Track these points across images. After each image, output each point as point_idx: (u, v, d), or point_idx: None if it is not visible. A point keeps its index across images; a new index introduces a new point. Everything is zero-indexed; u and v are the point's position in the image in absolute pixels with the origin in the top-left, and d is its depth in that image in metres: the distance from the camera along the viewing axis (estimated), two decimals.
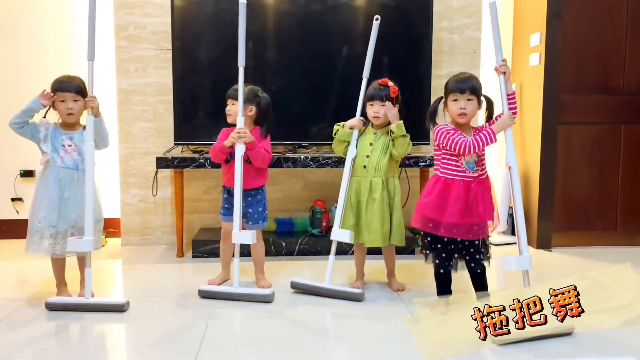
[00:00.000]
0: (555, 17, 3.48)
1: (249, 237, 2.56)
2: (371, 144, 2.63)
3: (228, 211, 2.72)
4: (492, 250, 2.43)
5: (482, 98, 2.34)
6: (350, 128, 2.65)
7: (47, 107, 2.50)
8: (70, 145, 2.48)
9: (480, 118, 2.39)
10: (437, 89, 3.65)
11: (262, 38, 3.43)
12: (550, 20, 3.48)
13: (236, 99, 2.61)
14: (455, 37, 3.72)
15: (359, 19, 3.46)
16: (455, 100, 2.29)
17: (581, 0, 3.50)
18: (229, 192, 2.73)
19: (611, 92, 3.57)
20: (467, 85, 2.27)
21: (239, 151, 2.57)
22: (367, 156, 2.62)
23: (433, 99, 3.51)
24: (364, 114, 2.69)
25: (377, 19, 2.72)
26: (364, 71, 2.72)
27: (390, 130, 2.59)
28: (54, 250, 2.45)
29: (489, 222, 2.35)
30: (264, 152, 2.66)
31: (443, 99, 2.38)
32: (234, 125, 2.66)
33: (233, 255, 2.63)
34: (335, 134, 2.68)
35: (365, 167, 2.62)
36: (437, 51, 3.64)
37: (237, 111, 2.60)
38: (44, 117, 2.52)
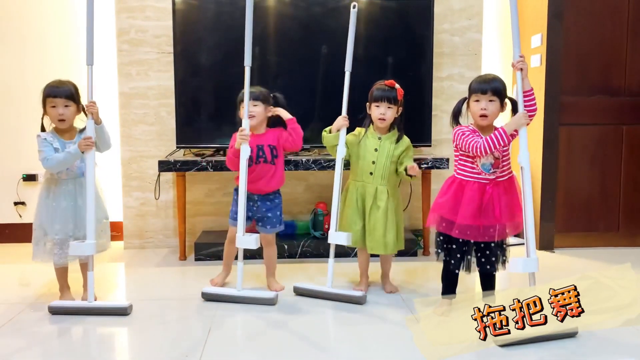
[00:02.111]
0: (556, 19, 3.48)
1: (253, 242, 2.55)
2: (376, 150, 2.62)
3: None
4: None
5: (507, 100, 2.31)
6: (338, 130, 2.65)
7: (42, 116, 2.49)
8: None
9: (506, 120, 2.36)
10: (438, 90, 3.66)
11: (263, 40, 3.44)
12: (551, 21, 3.48)
13: (258, 99, 2.63)
14: (456, 39, 3.72)
15: (360, 21, 3.44)
16: (477, 101, 2.27)
17: (582, 1, 3.50)
18: (248, 197, 2.66)
19: (613, 93, 3.57)
20: (489, 87, 2.25)
21: (244, 154, 2.57)
22: (373, 162, 2.61)
23: (434, 101, 3.55)
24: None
25: (354, 7, 2.67)
26: (346, 65, 2.68)
27: (408, 174, 2.57)
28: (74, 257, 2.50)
29: (513, 225, 2.30)
30: (298, 129, 2.70)
31: (466, 100, 2.35)
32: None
33: (236, 258, 2.64)
34: (323, 140, 2.69)
35: (371, 173, 2.61)
36: (438, 53, 3.64)
37: (254, 112, 2.62)
38: (42, 129, 2.50)
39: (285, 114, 2.68)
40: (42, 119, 2.50)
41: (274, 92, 2.75)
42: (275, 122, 2.75)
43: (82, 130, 2.52)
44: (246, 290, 2.61)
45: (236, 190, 2.69)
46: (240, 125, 2.59)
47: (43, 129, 2.51)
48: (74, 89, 2.50)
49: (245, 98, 2.58)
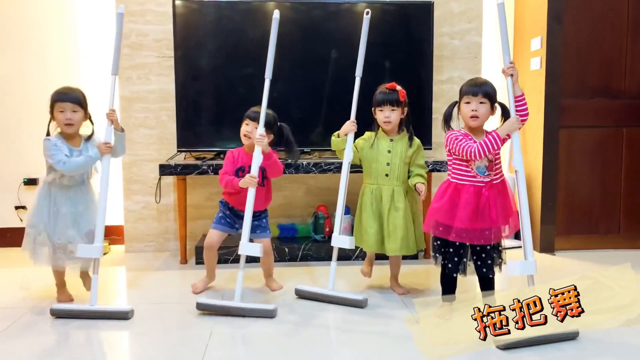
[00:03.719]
0: (555, 21, 3.49)
1: (257, 249, 2.51)
2: (389, 152, 2.63)
3: (228, 225, 2.74)
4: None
5: (497, 105, 2.33)
6: (346, 134, 2.65)
7: (49, 122, 2.52)
8: None
9: (495, 125, 2.37)
10: (438, 94, 3.66)
11: (263, 44, 3.43)
12: (551, 24, 3.49)
13: (257, 121, 2.59)
14: (456, 42, 3.73)
15: (360, 24, 3.45)
16: (468, 102, 2.29)
17: (581, 3, 3.51)
18: (232, 211, 2.74)
19: (613, 96, 3.58)
20: (479, 89, 2.27)
21: (256, 163, 2.54)
22: (388, 164, 2.62)
23: (435, 104, 3.55)
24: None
25: (367, 13, 2.69)
26: (357, 70, 2.70)
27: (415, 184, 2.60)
28: (75, 261, 2.53)
29: (508, 226, 2.32)
30: (280, 162, 2.68)
31: (457, 104, 2.37)
32: (238, 145, 2.70)
33: (218, 262, 2.77)
34: (332, 144, 2.70)
35: (387, 175, 2.62)
36: (438, 56, 3.65)
37: (253, 134, 2.59)
38: (47, 134, 2.53)
39: (265, 146, 2.59)
40: (49, 124, 2.53)
41: (282, 122, 2.72)
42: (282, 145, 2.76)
43: (89, 138, 2.57)
44: (244, 302, 2.50)
45: (223, 202, 2.76)
46: (239, 140, 2.68)
47: (48, 134, 2.53)
48: (82, 96, 2.53)
49: (263, 105, 2.58)
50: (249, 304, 2.50)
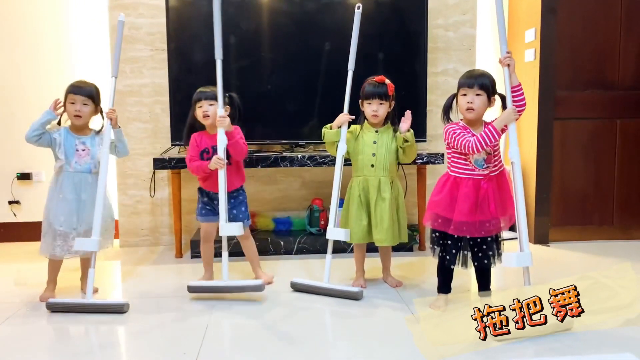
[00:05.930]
0: (549, 13, 3.49)
1: (236, 228, 2.57)
2: (375, 142, 2.63)
3: (210, 212, 2.72)
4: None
5: (497, 96, 2.33)
6: (339, 126, 2.65)
7: (61, 113, 2.56)
8: (83, 150, 2.54)
9: (496, 116, 2.37)
10: (432, 86, 3.66)
11: (257, 37, 3.43)
12: (545, 16, 3.49)
13: (213, 99, 2.61)
14: (450, 34, 3.73)
15: (354, 16, 3.45)
16: (464, 94, 2.29)
17: None
18: (208, 196, 2.72)
19: (606, 87, 3.59)
20: (475, 81, 2.27)
21: (221, 144, 2.56)
22: (373, 155, 2.62)
23: (429, 96, 3.55)
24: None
25: (358, 8, 2.70)
26: (349, 63, 2.71)
27: (405, 140, 2.58)
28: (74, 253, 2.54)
29: (506, 218, 2.33)
30: (243, 142, 2.67)
31: (455, 96, 2.36)
32: (203, 129, 2.70)
33: (216, 255, 2.73)
34: (324, 137, 2.69)
35: (373, 165, 2.62)
36: (432, 48, 3.64)
37: (210, 111, 2.62)
38: (58, 123, 2.57)
39: (227, 126, 2.61)
40: (60, 115, 2.57)
41: (230, 92, 2.72)
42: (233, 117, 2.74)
43: (99, 131, 2.61)
44: (233, 280, 2.63)
45: (199, 189, 2.75)
46: (194, 127, 2.71)
47: (59, 123, 2.58)
48: (95, 91, 2.59)
49: (219, 89, 2.58)
50: (238, 281, 2.64)
